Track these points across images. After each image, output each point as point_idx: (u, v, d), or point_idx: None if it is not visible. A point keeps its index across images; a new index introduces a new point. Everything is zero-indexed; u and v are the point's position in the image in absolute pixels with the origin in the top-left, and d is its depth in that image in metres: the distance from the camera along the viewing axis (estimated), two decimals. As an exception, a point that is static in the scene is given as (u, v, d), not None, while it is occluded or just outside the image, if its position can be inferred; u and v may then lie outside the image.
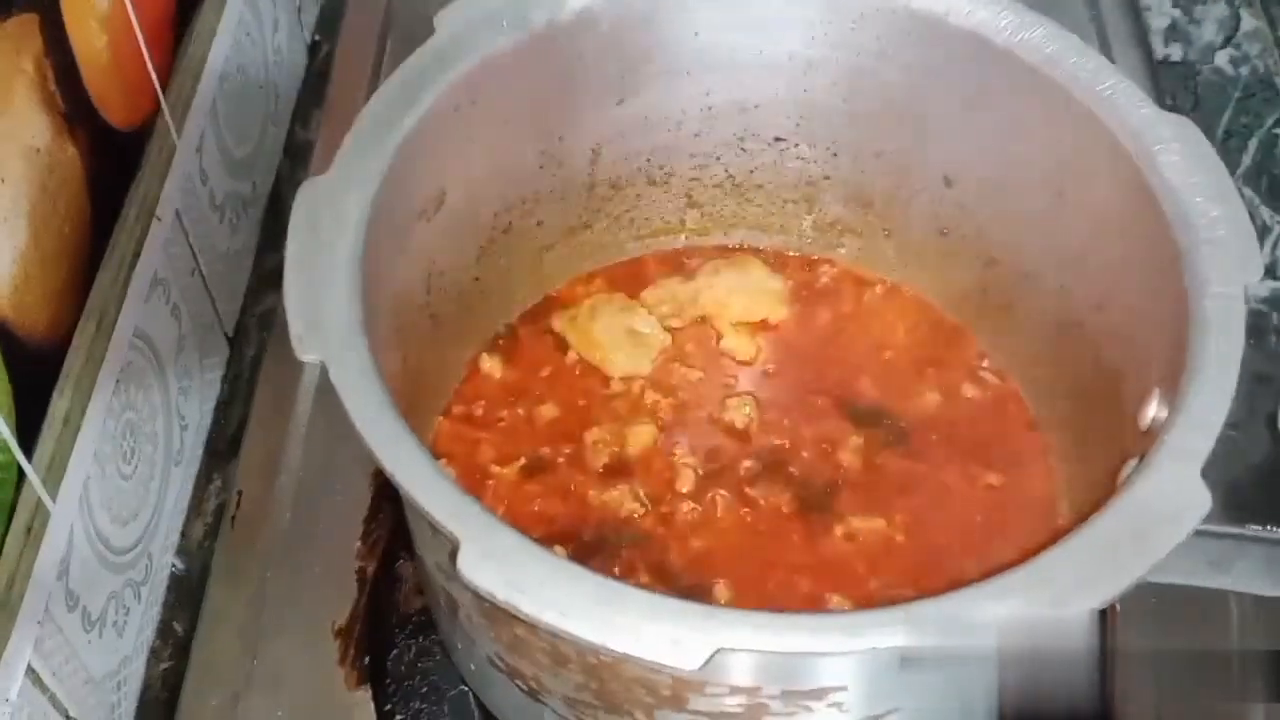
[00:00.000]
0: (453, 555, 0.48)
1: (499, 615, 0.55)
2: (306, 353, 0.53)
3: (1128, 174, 0.63)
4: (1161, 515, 0.51)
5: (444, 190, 0.65)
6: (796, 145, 0.78)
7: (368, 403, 0.52)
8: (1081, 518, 0.56)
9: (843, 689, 0.52)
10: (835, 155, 0.78)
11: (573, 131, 0.72)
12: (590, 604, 0.48)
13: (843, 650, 0.48)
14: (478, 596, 0.51)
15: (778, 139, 0.77)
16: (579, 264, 0.80)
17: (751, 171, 0.79)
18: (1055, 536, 0.69)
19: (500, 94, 0.65)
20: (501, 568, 0.48)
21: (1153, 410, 0.59)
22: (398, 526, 0.77)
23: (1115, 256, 0.66)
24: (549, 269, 0.78)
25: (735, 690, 0.52)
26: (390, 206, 0.59)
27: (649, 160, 0.77)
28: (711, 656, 0.47)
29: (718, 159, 0.78)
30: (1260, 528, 0.58)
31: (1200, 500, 0.51)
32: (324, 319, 0.54)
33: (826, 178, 0.79)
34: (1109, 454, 0.64)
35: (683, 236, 0.82)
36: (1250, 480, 0.58)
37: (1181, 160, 0.62)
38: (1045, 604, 0.49)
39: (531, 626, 0.49)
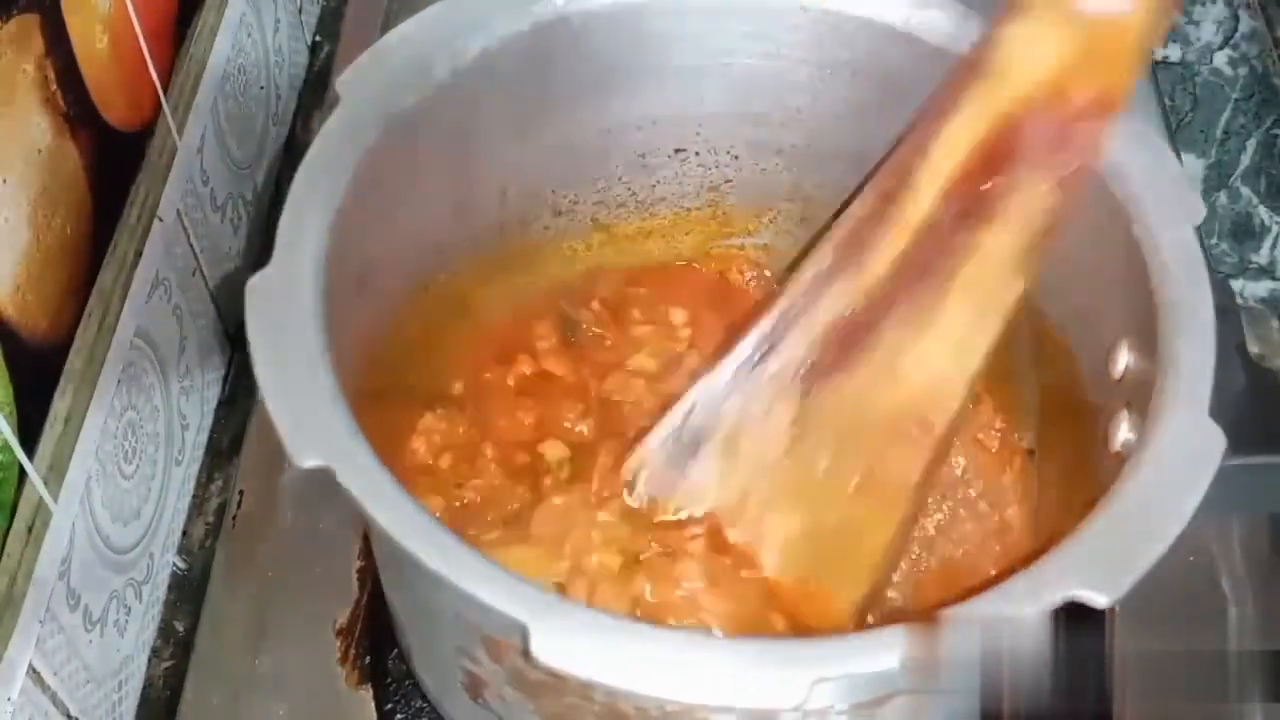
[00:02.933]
0: (524, 645, 0.47)
1: (547, 688, 0.55)
2: (306, 460, 0.50)
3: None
4: (1185, 463, 0.53)
5: (373, 260, 0.64)
6: (697, 154, 0.78)
7: (391, 504, 0.51)
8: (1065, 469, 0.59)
9: (902, 692, 0.52)
10: (736, 158, 0.78)
11: (481, 176, 0.71)
12: (674, 664, 0.47)
13: (931, 662, 0.48)
14: (520, 673, 0.51)
15: (678, 150, 0.77)
16: (496, 308, 0.78)
17: (654, 186, 0.79)
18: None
19: (413, 151, 0.65)
20: (575, 644, 0.47)
21: (1124, 360, 0.61)
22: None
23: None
24: (470, 320, 0.77)
25: (807, 714, 0.52)
26: (333, 289, 0.57)
27: (554, 191, 0.76)
28: (811, 690, 0.46)
29: (620, 179, 0.78)
30: (1245, 456, 0.59)
31: (1216, 440, 0.53)
32: (315, 421, 0.52)
33: (729, 180, 0.79)
34: (1066, 406, 0.66)
35: (591, 260, 0.81)
36: (1233, 409, 0.59)
37: None
38: (1106, 571, 0.49)
39: (587, 693, 0.49)
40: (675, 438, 0.67)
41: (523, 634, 0.47)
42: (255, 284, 0.56)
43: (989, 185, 0.57)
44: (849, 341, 0.63)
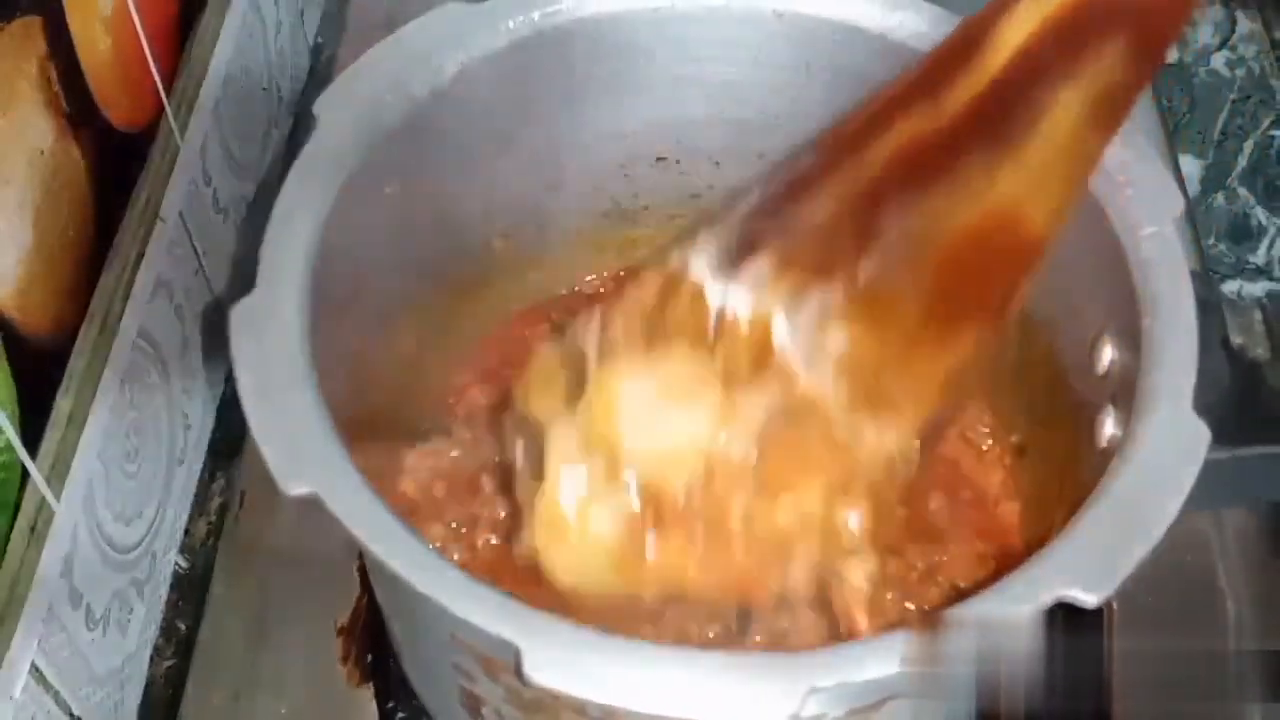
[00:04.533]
0: (517, 666, 0.47)
1: (544, 705, 0.55)
2: (294, 487, 0.51)
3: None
4: (1170, 458, 0.53)
5: (358, 279, 0.65)
6: (678, 162, 0.78)
7: (381, 529, 0.51)
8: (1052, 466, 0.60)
9: (898, 697, 0.52)
10: (718, 164, 0.78)
11: (463, 193, 0.71)
12: (668, 679, 0.47)
13: (928, 665, 0.48)
14: (517, 691, 0.51)
15: (659, 159, 0.77)
16: (484, 324, 0.79)
17: (636, 195, 0.79)
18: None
19: (394, 171, 0.65)
20: (568, 663, 0.47)
21: (1107, 355, 0.61)
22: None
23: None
24: (456, 335, 0.77)
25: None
26: (318, 312, 0.58)
27: (536, 205, 0.77)
28: (805, 700, 0.47)
29: (602, 190, 0.78)
30: (1231, 448, 0.59)
31: (1201, 434, 0.53)
32: (302, 448, 0.52)
33: (711, 187, 0.79)
34: (1052, 403, 0.67)
35: (574, 272, 0.82)
36: (1218, 402, 0.59)
37: None
38: (1094, 570, 0.50)
39: (584, 709, 0.49)
40: (730, 232, 0.64)
41: (515, 655, 0.47)
42: (239, 310, 0.56)
43: (1067, 47, 0.56)
44: (921, 164, 0.60)
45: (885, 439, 0.63)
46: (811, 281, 0.63)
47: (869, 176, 0.61)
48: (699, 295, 0.64)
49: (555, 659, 0.47)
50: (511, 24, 0.67)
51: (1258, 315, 0.66)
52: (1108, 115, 0.57)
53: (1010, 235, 0.60)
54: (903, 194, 0.61)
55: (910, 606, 0.67)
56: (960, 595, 0.52)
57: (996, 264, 0.61)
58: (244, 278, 0.56)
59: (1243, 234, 0.98)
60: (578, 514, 0.62)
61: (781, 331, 0.63)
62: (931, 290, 0.61)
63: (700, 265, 0.64)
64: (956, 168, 0.59)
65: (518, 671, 0.47)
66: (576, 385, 0.64)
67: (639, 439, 0.61)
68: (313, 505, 0.51)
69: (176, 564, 0.79)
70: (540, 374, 0.66)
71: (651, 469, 0.61)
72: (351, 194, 0.62)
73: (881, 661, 0.48)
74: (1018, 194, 0.59)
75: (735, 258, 0.64)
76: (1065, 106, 0.57)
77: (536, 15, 0.68)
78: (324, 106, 0.63)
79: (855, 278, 0.62)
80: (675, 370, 0.63)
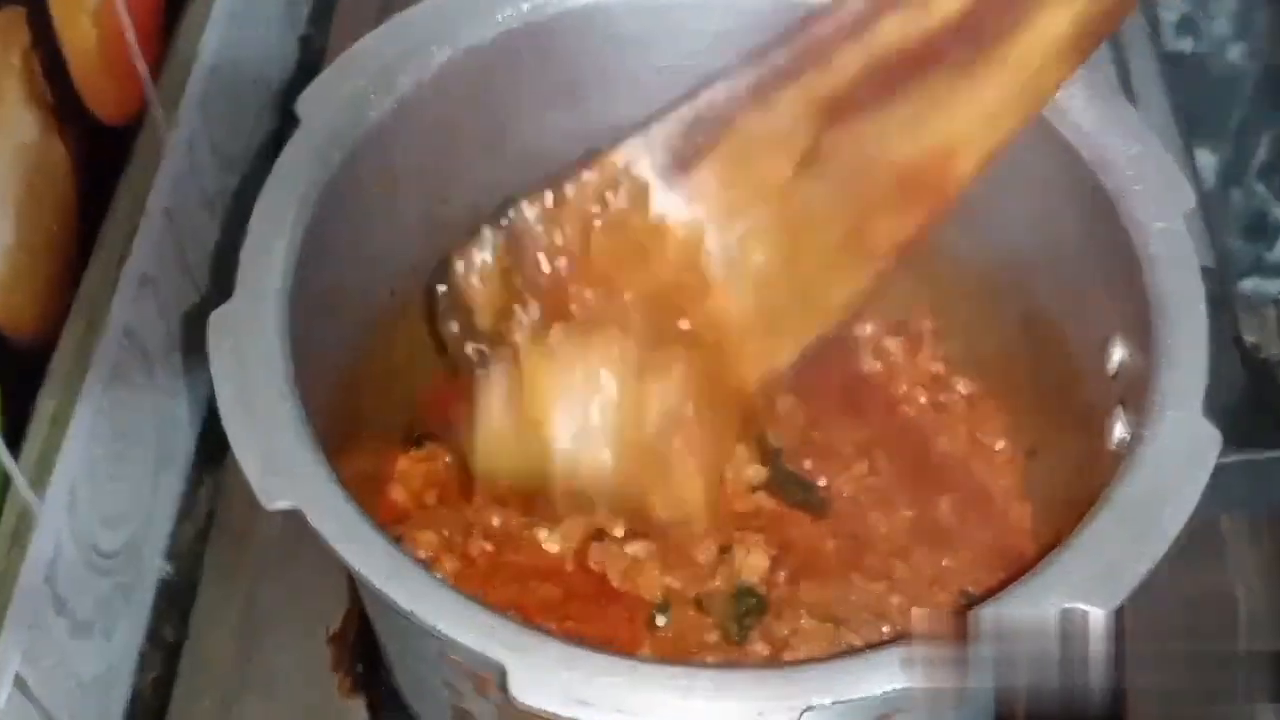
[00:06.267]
0: (503, 685, 0.47)
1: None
2: (275, 501, 0.50)
3: (1036, 126, 0.63)
4: (1180, 465, 0.52)
5: (343, 281, 0.64)
6: None
7: (365, 546, 0.50)
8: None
9: (901, 712, 0.51)
10: None
11: (452, 190, 0.70)
12: (659, 697, 0.47)
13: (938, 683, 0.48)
14: (507, 708, 0.50)
15: None
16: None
17: None
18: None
19: (380, 168, 0.64)
20: (555, 682, 0.47)
21: (1118, 355, 0.60)
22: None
23: (1034, 209, 0.66)
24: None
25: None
26: (301, 316, 0.57)
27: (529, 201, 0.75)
28: (801, 718, 0.46)
29: None
30: (1244, 451, 0.59)
31: (1212, 437, 0.53)
32: (284, 462, 0.52)
33: None
34: (1063, 404, 0.66)
35: None
36: (1229, 403, 0.59)
37: (1086, 104, 0.62)
38: (1102, 581, 0.49)
39: None
40: (684, 132, 0.66)
41: (501, 674, 0.47)
42: (217, 318, 0.55)
43: None
44: (885, 82, 0.61)
45: (766, 357, 0.67)
46: (750, 198, 0.65)
47: (835, 82, 0.62)
48: (641, 196, 0.67)
49: (542, 678, 0.47)
50: (499, 16, 0.67)
51: (1272, 313, 0.66)
52: (1079, 48, 0.58)
53: (939, 174, 0.61)
54: (861, 109, 0.62)
55: (917, 612, 0.66)
56: (969, 601, 0.51)
57: (916, 203, 0.62)
58: (225, 281, 0.56)
59: (1259, 230, 0.97)
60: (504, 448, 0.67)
61: (712, 243, 0.66)
62: (853, 221, 0.63)
63: (646, 165, 0.66)
64: (924, 81, 0.60)
65: (504, 690, 0.47)
66: (513, 272, 0.67)
67: (563, 421, 0.65)
68: (298, 516, 0.50)
69: (163, 569, 0.78)
70: (478, 258, 0.68)
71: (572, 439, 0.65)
72: (336, 193, 0.61)
73: (881, 676, 0.47)
74: (966, 126, 0.60)
75: (683, 161, 0.66)
76: (1047, 27, 0.58)
77: (526, 7, 0.67)
78: (307, 103, 0.62)
79: (791, 198, 0.64)
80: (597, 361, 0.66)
